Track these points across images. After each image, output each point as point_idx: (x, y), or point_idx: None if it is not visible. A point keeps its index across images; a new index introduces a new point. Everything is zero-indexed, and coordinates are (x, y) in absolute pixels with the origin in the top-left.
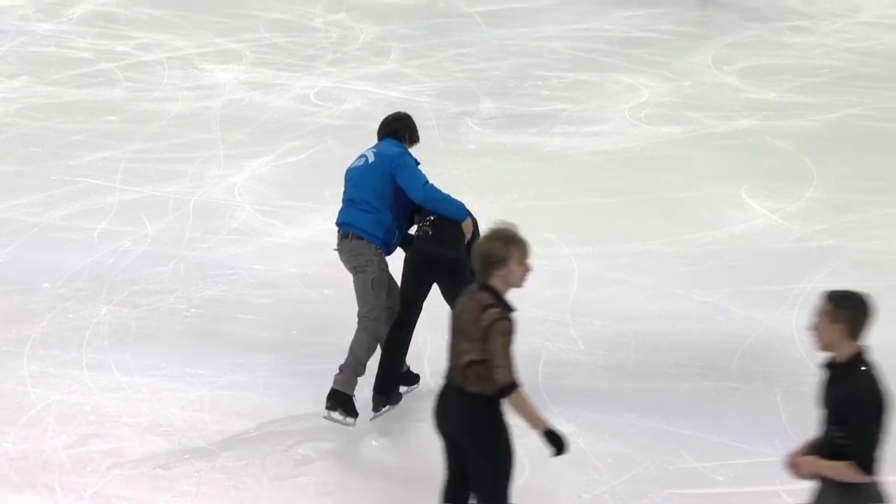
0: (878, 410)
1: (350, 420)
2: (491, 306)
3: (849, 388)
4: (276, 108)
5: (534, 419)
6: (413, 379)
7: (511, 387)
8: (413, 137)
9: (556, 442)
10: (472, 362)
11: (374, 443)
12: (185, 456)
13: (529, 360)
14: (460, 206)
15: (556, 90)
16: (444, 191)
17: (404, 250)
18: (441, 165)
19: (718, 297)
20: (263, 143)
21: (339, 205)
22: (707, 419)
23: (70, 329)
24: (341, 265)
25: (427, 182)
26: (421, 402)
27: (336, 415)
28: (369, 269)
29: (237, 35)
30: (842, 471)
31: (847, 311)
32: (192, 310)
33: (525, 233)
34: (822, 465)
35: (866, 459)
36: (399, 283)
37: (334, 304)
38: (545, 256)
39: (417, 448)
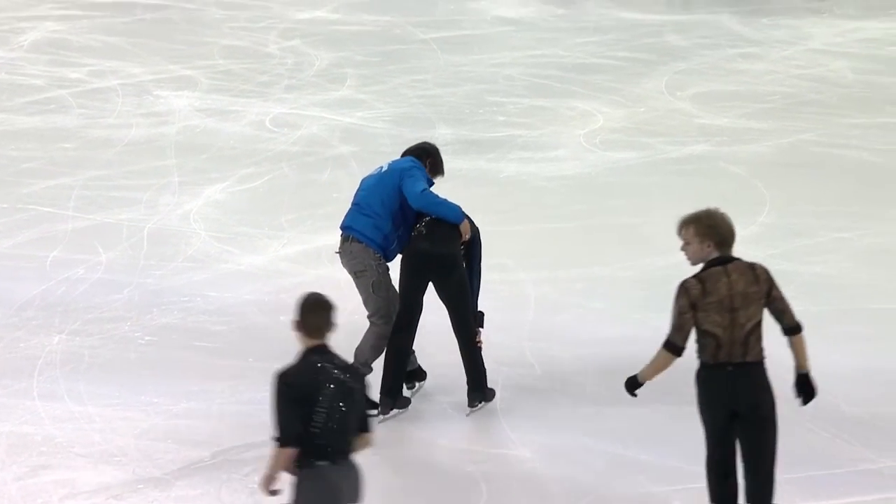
0: (278, 394)
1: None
2: (754, 263)
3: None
4: (232, 135)
5: (807, 358)
6: (421, 375)
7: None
8: (435, 167)
9: (811, 390)
10: (757, 324)
11: None
12: (140, 486)
13: None
14: (457, 209)
15: (511, 116)
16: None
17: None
18: None
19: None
20: (219, 169)
21: (295, 231)
22: (663, 443)
23: (21, 358)
24: (297, 292)
25: (425, 189)
26: (378, 431)
27: None
28: (368, 273)
29: (191, 62)
30: (272, 457)
31: (295, 313)
32: (147, 338)
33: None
34: (269, 460)
35: (282, 440)
36: (397, 287)
37: (291, 330)
38: (502, 282)
39: (373, 478)
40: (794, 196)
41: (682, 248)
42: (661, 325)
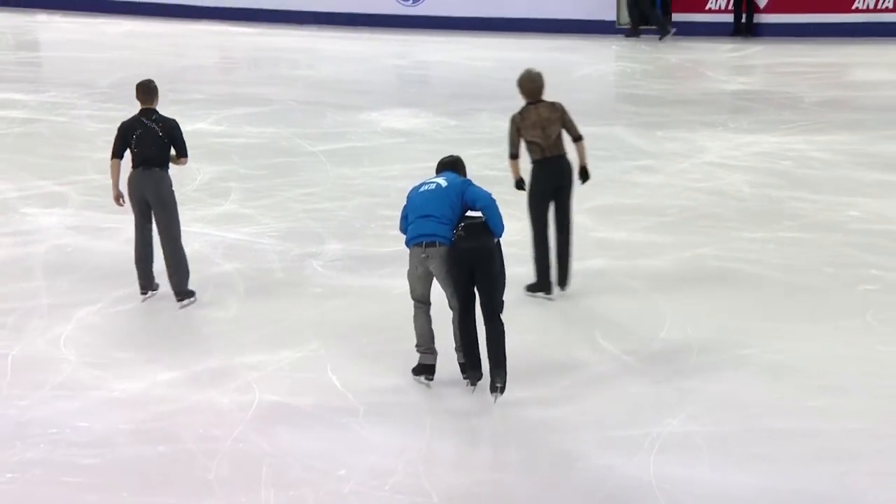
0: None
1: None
2: (554, 101)
3: None
4: (106, 253)
5: (585, 157)
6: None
7: None
8: (464, 173)
9: (587, 176)
10: (560, 135)
11: None
12: None
13: None
14: (503, 225)
15: None
16: None
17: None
18: (285, 310)
19: (576, 443)
20: (92, 290)
21: (174, 354)
22: None
23: None
24: (176, 419)
25: (491, 195)
26: None
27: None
28: (447, 267)
29: (62, 177)
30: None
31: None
32: (9, 475)
33: (374, 380)
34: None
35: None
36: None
37: (170, 461)
38: (395, 405)
39: None
40: (694, 312)
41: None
42: (563, 448)
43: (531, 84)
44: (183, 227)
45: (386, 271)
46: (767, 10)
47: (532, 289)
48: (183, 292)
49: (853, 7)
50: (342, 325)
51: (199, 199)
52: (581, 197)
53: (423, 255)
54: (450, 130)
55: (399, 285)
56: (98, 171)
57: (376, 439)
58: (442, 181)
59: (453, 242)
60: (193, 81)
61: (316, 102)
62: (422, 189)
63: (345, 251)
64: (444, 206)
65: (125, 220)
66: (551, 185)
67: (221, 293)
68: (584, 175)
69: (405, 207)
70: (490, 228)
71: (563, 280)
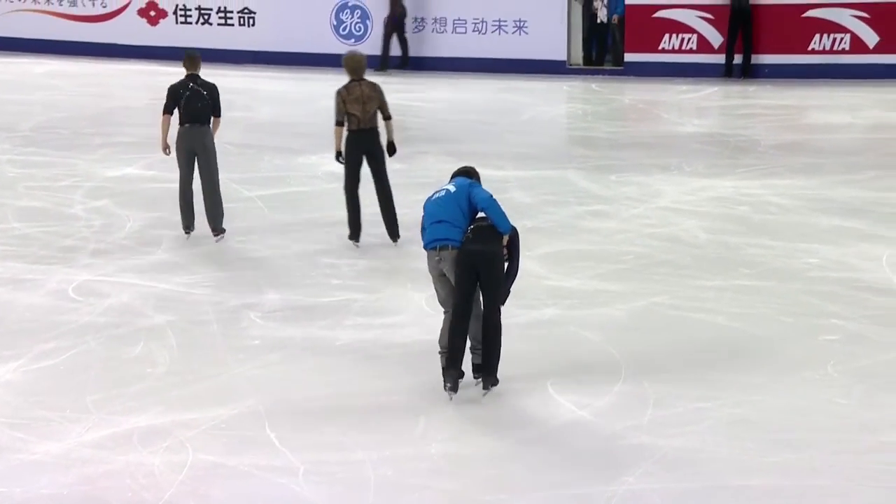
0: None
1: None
2: (374, 82)
3: None
4: (27, 307)
5: (393, 133)
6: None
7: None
8: (478, 178)
9: (394, 150)
10: (375, 112)
11: None
12: None
13: None
14: (508, 222)
15: (346, 279)
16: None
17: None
18: (221, 364)
19: (527, 502)
20: (12, 346)
21: (102, 413)
22: None
23: None
24: (103, 482)
25: (492, 196)
26: None
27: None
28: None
29: None
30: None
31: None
32: None
33: (315, 437)
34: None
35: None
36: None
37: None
38: (337, 463)
39: None
40: (649, 363)
41: None
42: None
43: (355, 63)
44: (111, 278)
45: (327, 322)
46: (721, 51)
47: (350, 237)
48: (218, 229)
49: (809, 49)
50: (281, 380)
51: (129, 247)
52: (532, 244)
53: (437, 259)
54: (394, 174)
55: (341, 336)
56: (20, 220)
57: (318, 500)
58: (451, 187)
59: (462, 243)
60: (121, 124)
61: (253, 145)
62: (434, 197)
63: (284, 301)
64: (454, 211)
65: (49, 271)
66: (361, 151)
67: (152, 347)
68: (392, 149)
69: (423, 218)
70: (497, 229)
71: (393, 234)
